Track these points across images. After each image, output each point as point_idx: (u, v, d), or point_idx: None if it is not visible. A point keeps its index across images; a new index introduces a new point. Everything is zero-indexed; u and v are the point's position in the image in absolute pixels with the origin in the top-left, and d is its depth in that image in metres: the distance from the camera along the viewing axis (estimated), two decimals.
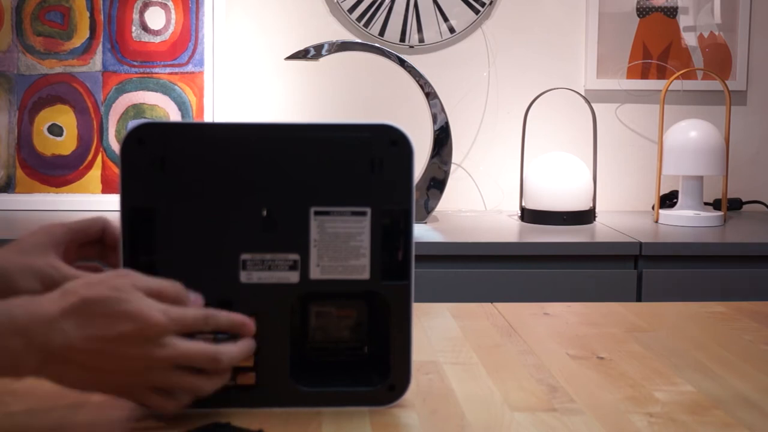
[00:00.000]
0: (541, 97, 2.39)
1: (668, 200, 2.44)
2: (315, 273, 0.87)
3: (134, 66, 2.37)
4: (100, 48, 2.37)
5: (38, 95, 2.36)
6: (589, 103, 2.37)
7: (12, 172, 2.36)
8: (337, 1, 2.44)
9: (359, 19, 2.44)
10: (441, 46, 2.49)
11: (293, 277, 0.86)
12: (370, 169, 0.86)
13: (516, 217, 2.35)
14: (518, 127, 2.43)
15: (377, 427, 0.83)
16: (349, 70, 2.45)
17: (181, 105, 2.38)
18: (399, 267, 0.88)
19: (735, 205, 2.50)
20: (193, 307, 0.83)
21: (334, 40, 2.28)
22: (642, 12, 2.50)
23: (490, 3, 2.46)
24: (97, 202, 2.36)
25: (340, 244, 0.86)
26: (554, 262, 2.00)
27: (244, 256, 0.86)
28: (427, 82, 2.23)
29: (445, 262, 1.93)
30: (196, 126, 0.86)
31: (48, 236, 0.90)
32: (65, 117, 2.36)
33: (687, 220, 2.24)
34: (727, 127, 2.32)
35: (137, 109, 2.38)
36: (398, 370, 0.88)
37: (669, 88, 2.37)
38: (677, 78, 2.38)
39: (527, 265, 1.99)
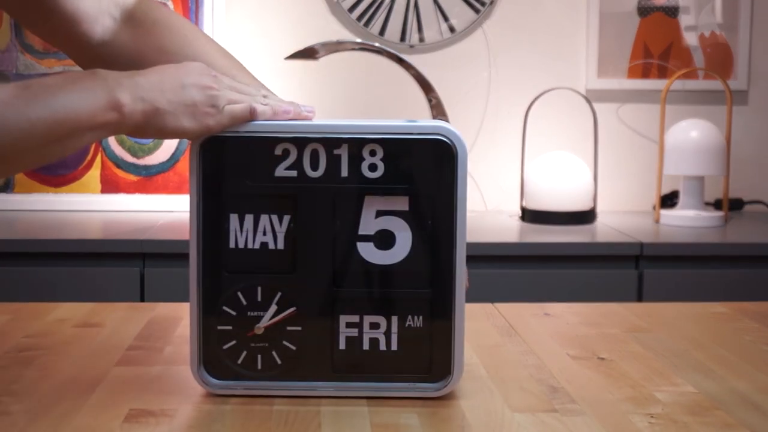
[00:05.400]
0: (541, 97, 2.39)
1: (669, 200, 2.44)
2: None
3: None
4: None
5: None
6: (589, 102, 2.36)
7: None
8: (337, 1, 2.44)
9: (359, 18, 2.44)
10: (441, 46, 2.48)
11: None
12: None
13: (516, 217, 2.35)
14: (519, 127, 2.42)
15: (377, 427, 0.83)
16: (350, 70, 2.45)
17: None
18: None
19: (736, 205, 2.50)
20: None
21: (334, 39, 2.27)
22: (643, 11, 2.50)
23: (491, 3, 2.46)
24: (97, 202, 2.36)
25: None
26: (555, 262, 1.99)
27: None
28: (427, 83, 2.23)
29: None
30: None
31: None
32: None
33: (688, 221, 2.24)
34: (728, 127, 2.32)
35: None
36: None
37: (670, 88, 2.37)
38: (678, 78, 2.38)
39: (527, 265, 1.99)
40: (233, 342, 0.90)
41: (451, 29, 2.46)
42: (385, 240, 0.89)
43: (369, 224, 0.89)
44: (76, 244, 1.97)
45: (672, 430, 0.83)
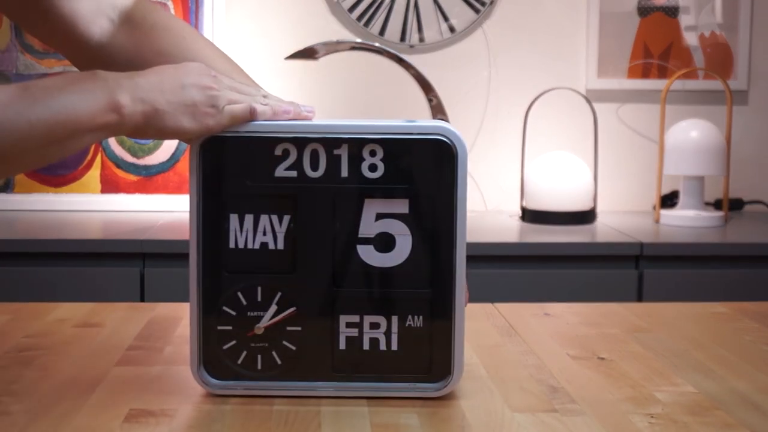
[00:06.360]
0: (541, 97, 2.39)
1: (669, 200, 2.44)
2: None
3: None
4: None
5: None
6: (589, 102, 2.36)
7: None
8: (337, 1, 2.44)
9: (359, 18, 2.44)
10: (441, 46, 2.48)
11: None
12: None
13: (517, 217, 2.35)
14: (519, 127, 2.42)
15: (377, 427, 0.83)
16: (349, 70, 2.45)
17: None
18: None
19: (736, 205, 2.50)
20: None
21: (334, 39, 2.27)
22: (643, 11, 2.50)
23: (491, 3, 2.46)
24: (97, 202, 2.36)
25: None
26: (555, 262, 1.99)
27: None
28: (427, 83, 2.23)
29: None
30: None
31: None
32: None
33: (688, 221, 2.24)
34: (728, 127, 2.32)
35: None
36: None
37: (670, 88, 2.37)
38: (678, 78, 2.38)
39: (527, 265, 1.99)
40: (233, 342, 0.90)
41: (451, 29, 2.46)
42: (385, 242, 0.89)
43: (369, 226, 0.89)
44: (76, 244, 1.96)
45: (672, 430, 0.83)
